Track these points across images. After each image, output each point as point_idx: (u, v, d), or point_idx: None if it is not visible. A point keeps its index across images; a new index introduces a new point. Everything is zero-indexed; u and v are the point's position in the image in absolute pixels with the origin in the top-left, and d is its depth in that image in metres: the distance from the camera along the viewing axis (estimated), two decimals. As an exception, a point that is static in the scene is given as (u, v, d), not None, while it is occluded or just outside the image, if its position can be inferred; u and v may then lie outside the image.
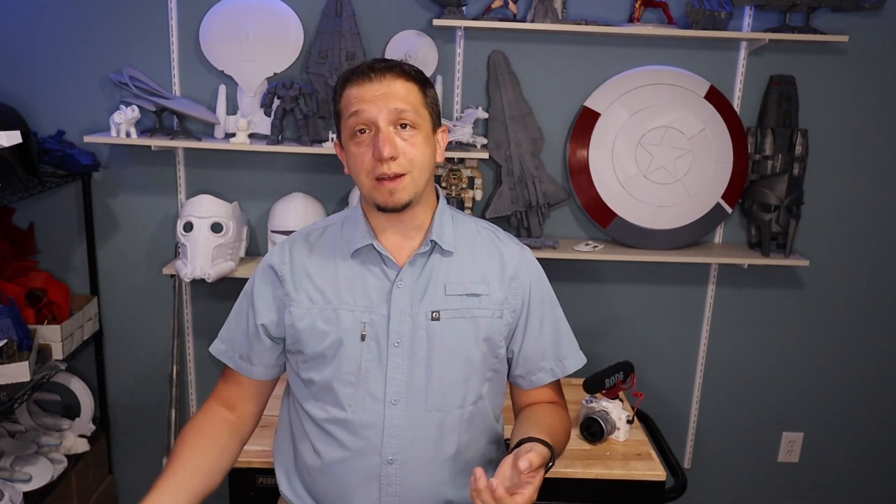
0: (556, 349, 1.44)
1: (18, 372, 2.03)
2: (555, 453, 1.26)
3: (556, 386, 1.49)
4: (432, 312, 1.32)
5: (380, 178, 1.25)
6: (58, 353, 2.22)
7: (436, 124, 1.33)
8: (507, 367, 1.45)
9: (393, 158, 1.24)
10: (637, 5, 2.31)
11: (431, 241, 1.34)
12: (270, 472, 1.70)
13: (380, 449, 1.31)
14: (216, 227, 2.24)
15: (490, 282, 1.36)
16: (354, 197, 2.33)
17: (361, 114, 1.25)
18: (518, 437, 1.29)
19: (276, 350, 1.41)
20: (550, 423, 1.37)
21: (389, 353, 1.31)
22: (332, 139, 2.24)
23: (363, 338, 1.31)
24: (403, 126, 1.25)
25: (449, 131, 2.27)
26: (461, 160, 2.39)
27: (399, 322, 1.31)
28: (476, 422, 1.38)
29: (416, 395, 1.32)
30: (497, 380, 1.42)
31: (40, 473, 2.19)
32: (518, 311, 1.39)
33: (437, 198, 1.39)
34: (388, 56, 2.32)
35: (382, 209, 1.28)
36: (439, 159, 1.35)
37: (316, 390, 1.35)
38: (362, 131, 1.26)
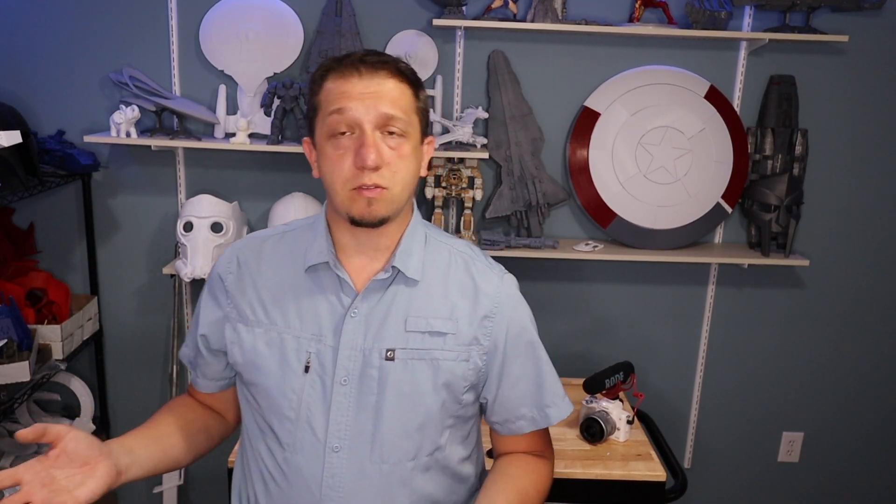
0: (537, 396, 1.24)
1: (18, 372, 2.03)
2: None
3: (542, 435, 1.30)
4: (387, 351, 1.14)
5: (358, 189, 1.08)
6: (58, 353, 2.22)
7: (424, 133, 1.16)
8: (480, 411, 1.29)
9: (376, 168, 1.07)
10: (637, 5, 2.32)
11: (393, 266, 1.16)
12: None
13: (319, 499, 1.14)
14: (216, 227, 2.24)
15: (458, 319, 1.17)
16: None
17: (345, 112, 1.07)
18: None
19: (218, 363, 1.27)
20: (520, 489, 1.20)
21: (334, 392, 1.14)
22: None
23: (307, 369, 1.15)
24: (391, 133, 1.09)
25: (449, 131, 2.30)
26: (461, 160, 2.39)
27: (348, 357, 1.14)
28: (435, 472, 1.20)
29: (360, 443, 1.14)
30: (461, 425, 1.23)
31: (40, 473, 2.19)
32: (490, 355, 1.20)
33: (412, 212, 1.21)
34: (388, 56, 2.31)
35: (357, 223, 1.11)
36: (423, 173, 1.17)
37: (258, 418, 1.20)
38: (343, 133, 1.09)
